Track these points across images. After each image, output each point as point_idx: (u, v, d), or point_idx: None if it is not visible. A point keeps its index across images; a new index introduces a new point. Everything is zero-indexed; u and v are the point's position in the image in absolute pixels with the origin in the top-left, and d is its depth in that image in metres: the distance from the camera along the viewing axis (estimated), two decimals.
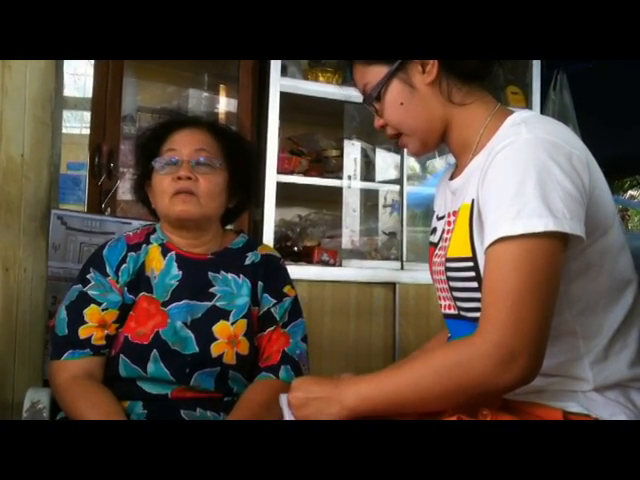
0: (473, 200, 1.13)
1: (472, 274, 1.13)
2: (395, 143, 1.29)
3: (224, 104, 3.28)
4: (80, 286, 1.51)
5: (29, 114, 1.77)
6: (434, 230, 1.33)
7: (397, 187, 3.13)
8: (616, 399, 1.09)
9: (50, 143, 1.83)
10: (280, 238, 2.98)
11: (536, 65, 3.34)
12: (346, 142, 3.14)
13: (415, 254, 3.06)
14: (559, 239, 1.01)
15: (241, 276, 1.56)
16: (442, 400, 1.05)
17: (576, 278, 1.09)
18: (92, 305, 1.48)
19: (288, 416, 1.14)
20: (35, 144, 1.78)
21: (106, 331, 1.47)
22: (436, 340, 1.44)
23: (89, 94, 3.20)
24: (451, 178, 1.27)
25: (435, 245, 1.29)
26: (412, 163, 3.31)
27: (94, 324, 1.47)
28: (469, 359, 1.01)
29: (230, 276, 1.56)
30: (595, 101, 3.44)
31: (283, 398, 1.17)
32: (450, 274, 1.18)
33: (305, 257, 2.93)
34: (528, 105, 3.28)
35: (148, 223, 1.71)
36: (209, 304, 1.52)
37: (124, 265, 1.52)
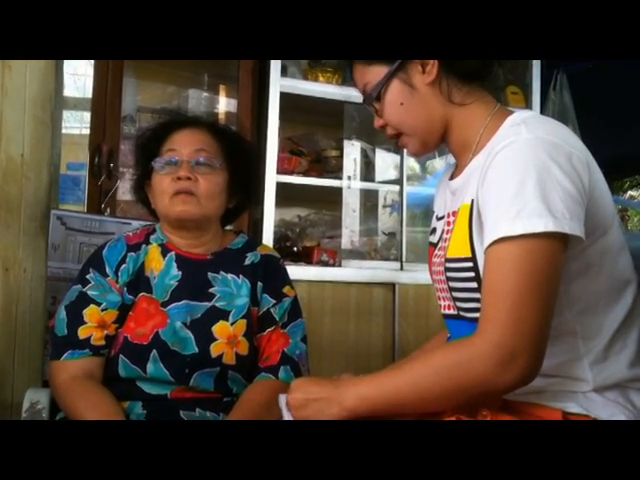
0: (473, 200, 1.13)
1: (472, 274, 1.13)
2: (395, 143, 1.29)
3: (224, 104, 3.28)
4: (80, 286, 1.51)
5: (29, 114, 1.77)
6: (434, 230, 1.33)
7: (397, 187, 3.13)
8: (615, 400, 1.09)
9: (50, 143, 1.83)
10: (280, 238, 2.98)
11: (536, 65, 3.34)
12: (346, 142, 3.14)
13: (415, 254, 3.05)
14: (559, 239, 1.01)
15: (241, 276, 1.56)
16: (442, 400, 1.05)
17: (576, 278, 1.09)
18: (92, 305, 1.48)
19: (287, 417, 1.14)
20: (35, 144, 1.78)
21: (106, 331, 1.47)
22: (436, 340, 1.44)
23: (89, 94, 3.19)
24: (451, 178, 1.27)
25: (435, 245, 1.29)
26: (412, 163, 3.31)
27: (94, 324, 1.47)
28: (469, 359, 1.01)
29: (230, 276, 1.56)
30: (595, 101, 3.44)
31: (282, 399, 1.17)
32: (450, 274, 1.18)
33: (305, 257, 2.92)
34: (528, 105, 3.28)
35: (148, 223, 1.71)
36: (209, 304, 1.52)
37: (124, 265, 1.52)
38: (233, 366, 1.49)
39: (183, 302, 1.50)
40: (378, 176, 3.22)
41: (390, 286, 2.95)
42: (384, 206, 3.30)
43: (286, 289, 1.61)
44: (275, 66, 2.84)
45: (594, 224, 1.08)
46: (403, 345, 2.89)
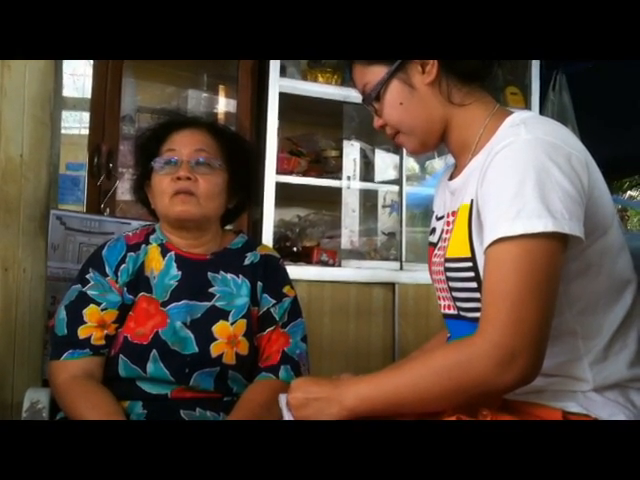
0: (472, 200, 1.13)
1: (471, 274, 1.13)
2: (394, 144, 1.29)
3: (223, 104, 3.28)
4: (79, 286, 1.51)
5: (28, 114, 1.77)
6: (433, 230, 1.33)
7: (396, 187, 3.13)
8: (615, 399, 1.09)
9: (49, 143, 1.83)
10: (279, 238, 2.98)
11: (535, 66, 3.34)
12: (345, 142, 3.14)
13: (414, 254, 3.06)
14: (558, 239, 1.01)
15: (240, 276, 1.56)
16: (442, 400, 1.05)
17: (576, 278, 1.09)
18: (91, 305, 1.48)
19: (287, 417, 1.14)
20: (34, 144, 1.78)
21: (105, 331, 1.47)
22: (436, 340, 1.44)
23: (88, 94, 3.19)
24: (450, 178, 1.27)
25: (434, 245, 1.29)
26: (411, 163, 3.31)
27: (93, 324, 1.47)
28: (469, 359, 1.01)
29: (229, 276, 1.56)
30: (594, 101, 3.44)
31: (282, 399, 1.17)
32: (449, 274, 1.18)
33: (304, 257, 2.92)
34: (527, 106, 3.28)
35: (147, 223, 1.71)
36: (208, 304, 1.52)
37: (123, 265, 1.52)
38: (233, 366, 1.49)
39: (183, 302, 1.50)
40: (377, 176, 3.22)
41: (390, 286, 2.95)
42: (384, 206, 3.30)
43: (286, 289, 1.61)
44: (274, 66, 2.84)
45: (594, 224, 1.08)
46: (403, 345, 2.89)
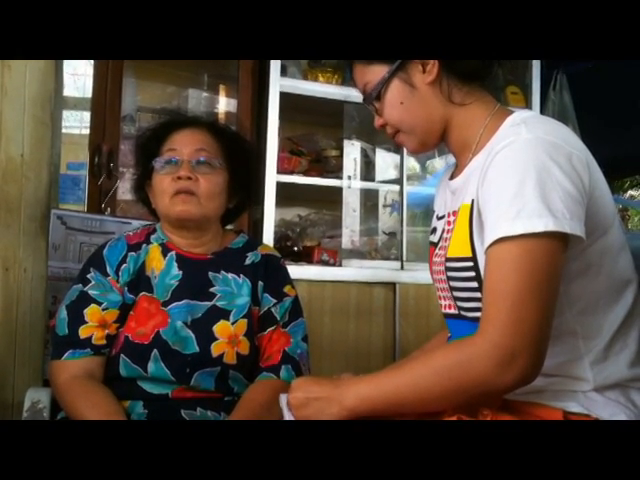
0: (473, 200, 1.13)
1: (472, 274, 1.13)
2: (395, 143, 1.29)
3: (224, 104, 3.28)
4: (80, 286, 1.51)
5: (29, 114, 1.77)
6: (434, 230, 1.33)
7: (397, 187, 3.13)
8: (616, 399, 1.09)
9: (50, 143, 1.83)
10: (280, 238, 2.98)
11: (536, 65, 3.34)
12: (346, 142, 3.14)
13: (415, 254, 3.05)
14: (559, 239, 1.01)
15: (241, 276, 1.56)
16: (442, 400, 1.05)
17: (576, 278, 1.09)
18: (92, 305, 1.48)
19: (288, 416, 1.14)
20: (35, 144, 1.78)
21: (106, 331, 1.47)
22: (436, 340, 1.44)
23: (89, 94, 3.20)
24: (451, 178, 1.27)
25: (435, 245, 1.29)
26: (412, 163, 3.31)
27: (94, 324, 1.47)
28: (469, 359, 1.01)
29: (230, 276, 1.56)
30: (595, 101, 3.44)
31: (283, 398, 1.17)
32: (450, 274, 1.18)
33: (305, 257, 2.92)
34: (528, 105, 3.28)
35: (148, 223, 1.71)
36: (209, 304, 1.52)
37: (124, 265, 1.53)
38: (234, 365, 1.49)
39: (184, 302, 1.50)
40: (378, 176, 3.22)
41: (390, 286, 2.95)
42: (384, 206, 3.30)
43: (287, 289, 1.61)
44: (275, 66, 2.84)
45: (594, 224, 1.08)
46: (403, 345, 2.89)
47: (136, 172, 1.64)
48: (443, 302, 1.25)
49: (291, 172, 2.95)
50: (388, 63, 1.19)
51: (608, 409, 1.07)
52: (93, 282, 1.51)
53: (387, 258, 3.10)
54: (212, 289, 1.53)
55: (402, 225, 3.07)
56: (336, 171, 3.09)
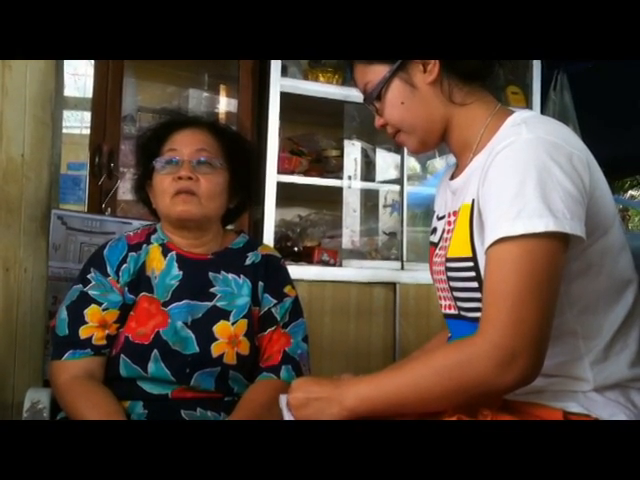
0: (473, 200, 1.13)
1: (472, 274, 1.13)
2: (395, 143, 1.29)
3: (224, 104, 3.28)
4: (81, 286, 1.51)
5: (29, 114, 1.77)
6: (434, 230, 1.33)
7: (397, 187, 3.13)
8: (616, 399, 1.09)
9: (50, 143, 1.83)
10: (280, 238, 2.98)
11: (536, 65, 3.34)
12: (346, 142, 3.14)
13: (415, 254, 3.05)
14: (559, 239, 1.01)
15: (241, 276, 1.56)
16: (442, 400, 1.05)
17: (576, 278, 1.09)
18: (93, 305, 1.48)
19: (288, 417, 1.14)
20: (35, 144, 1.78)
21: (107, 331, 1.47)
22: (436, 340, 1.44)
23: (89, 94, 3.20)
24: (451, 178, 1.27)
25: (435, 245, 1.29)
26: (412, 163, 3.31)
27: (95, 324, 1.47)
28: (469, 359, 1.00)
29: (230, 276, 1.56)
30: (595, 101, 3.44)
31: (283, 399, 1.17)
32: (450, 274, 1.18)
33: (305, 257, 2.92)
34: (528, 105, 3.28)
35: (148, 223, 1.71)
36: (209, 304, 1.52)
37: (125, 265, 1.52)
38: (234, 366, 1.49)
39: (184, 302, 1.50)
40: (378, 176, 3.22)
41: (391, 286, 2.95)
42: (385, 206, 3.30)
43: (287, 289, 1.61)
44: (275, 66, 2.84)
45: (595, 224, 1.08)
46: (404, 345, 2.89)
47: (137, 172, 1.64)
48: (443, 302, 1.25)
49: (291, 172, 2.95)
50: (389, 63, 1.19)
51: (608, 409, 1.07)
52: (93, 282, 1.51)
53: (387, 258, 3.10)
54: (212, 289, 1.53)
55: (402, 225, 3.07)
56: (336, 171, 3.09)
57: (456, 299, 1.19)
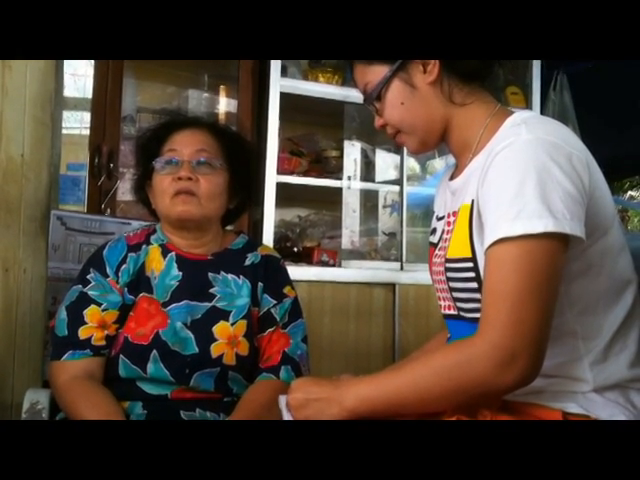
0: (473, 200, 1.13)
1: (472, 274, 1.13)
2: (395, 143, 1.29)
3: (224, 104, 3.28)
4: (80, 286, 1.51)
5: (29, 114, 1.77)
6: (434, 230, 1.33)
7: (397, 188, 3.13)
8: (616, 400, 1.09)
9: (50, 143, 1.83)
10: (280, 239, 2.98)
11: (536, 65, 3.34)
12: (346, 143, 3.14)
13: (415, 255, 3.05)
14: (559, 240, 1.00)
15: (241, 277, 1.56)
16: (442, 401, 1.05)
17: (576, 279, 1.09)
18: (92, 306, 1.48)
19: (287, 417, 1.14)
20: (35, 144, 1.78)
21: (106, 331, 1.47)
22: (436, 341, 1.43)
23: (89, 95, 3.19)
24: (451, 178, 1.27)
25: (435, 245, 1.29)
26: (412, 164, 3.31)
27: (94, 325, 1.47)
28: (469, 360, 1.00)
29: (230, 277, 1.56)
30: (595, 101, 3.44)
31: (282, 400, 1.17)
32: (450, 274, 1.18)
33: (305, 258, 2.92)
34: (528, 105, 3.28)
35: (148, 224, 1.71)
36: (209, 305, 1.52)
37: (124, 265, 1.52)
38: (233, 366, 1.49)
39: (183, 302, 1.50)
40: (378, 176, 3.22)
41: (390, 286, 2.95)
42: (384, 206, 3.30)
43: (287, 289, 1.61)
44: (275, 66, 2.84)
45: (594, 224, 1.08)
46: (403, 345, 2.89)
47: (136, 172, 1.64)
48: (443, 303, 1.25)
49: (291, 172, 2.95)
50: (389, 63, 1.19)
51: (607, 410, 1.07)
52: (93, 283, 1.51)
53: (387, 259, 3.10)
54: (212, 290, 1.53)
55: (402, 226, 3.07)
56: (336, 172, 3.09)
57: (455, 299, 1.19)
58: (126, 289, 1.51)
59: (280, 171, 2.86)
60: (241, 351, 1.50)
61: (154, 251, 1.56)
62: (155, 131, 1.61)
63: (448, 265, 1.18)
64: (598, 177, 1.11)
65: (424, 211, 3.18)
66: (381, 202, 3.31)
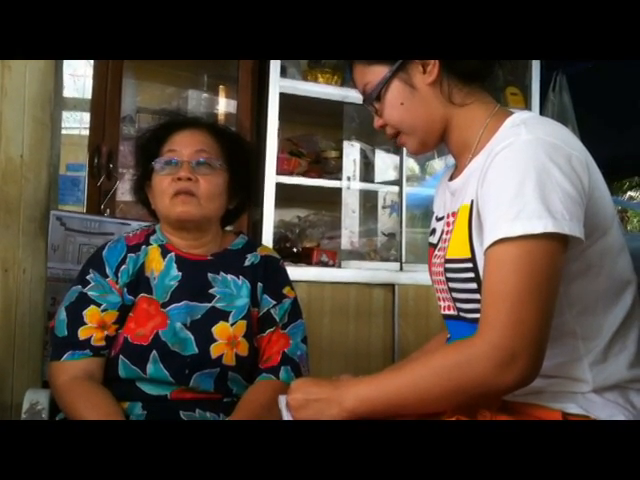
0: (472, 201, 1.13)
1: (471, 275, 1.13)
2: (394, 144, 1.29)
3: (223, 105, 3.28)
4: (80, 287, 1.51)
5: (28, 115, 1.77)
6: (433, 231, 1.33)
7: (396, 188, 3.13)
8: (615, 400, 1.09)
9: (49, 144, 1.83)
10: (279, 239, 2.98)
11: (535, 66, 3.34)
12: (345, 143, 3.14)
13: (414, 255, 3.05)
14: (558, 240, 1.00)
15: (240, 277, 1.56)
16: (442, 401, 1.05)
17: (576, 279, 1.09)
18: (92, 306, 1.48)
19: (287, 417, 1.14)
20: (34, 145, 1.78)
21: (106, 332, 1.47)
22: (435, 341, 1.44)
23: (88, 95, 3.19)
24: (450, 179, 1.27)
25: (434, 246, 1.29)
26: (411, 164, 3.31)
27: (94, 325, 1.47)
28: (468, 360, 1.00)
29: (230, 277, 1.56)
30: (594, 102, 3.44)
31: (282, 400, 1.17)
32: (449, 275, 1.18)
33: (304, 258, 2.92)
34: (527, 106, 3.28)
35: (147, 224, 1.70)
36: (208, 305, 1.51)
37: (123, 266, 1.52)
38: (233, 367, 1.49)
39: (183, 303, 1.50)
40: (377, 177, 3.22)
41: (390, 287, 2.95)
42: (384, 207, 3.30)
43: (286, 290, 1.61)
44: (274, 67, 2.84)
45: (594, 225, 1.08)
46: (403, 346, 2.89)
47: (136, 173, 1.64)
48: (442, 303, 1.25)
49: (290, 173, 2.95)
50: (388, 63, 1.19)
51: (607, 410, 1.07)
52: (92, 283, 1.51)
53: (386, 259, 3.10)
54: (211, 290, 1.53)
55: (401, 226, 3.07)
56: (335, 172, 3.09)
57: (455, 300, 1.19)
58: (125, 289, 1.51)
59: (279, 171, 2.86)
60: (241, 352, 1.50)
61: (154, 251, 1.56)
62: (155, 131, 1.61)
63: (447, 265, 1.18)
64: (597, 178, 1.11)
65: (423, 212, 3.18)
66: (380, 203, 3.31)
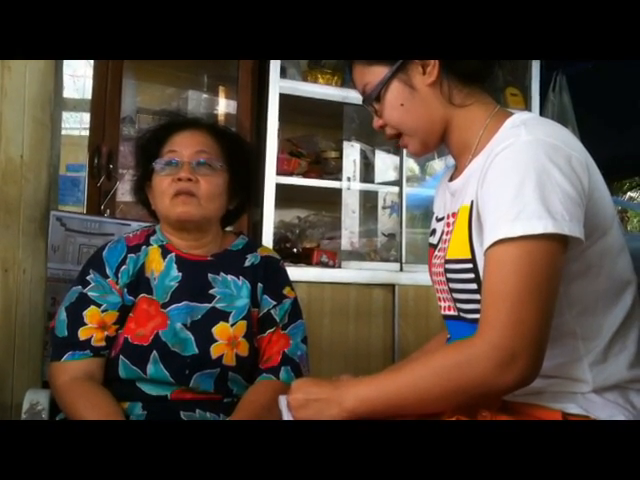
0: (472, 202, 1.13)
1: (471, 275, 1.13)
2: (394, 144, 1.30)
3: (223, 105, 3.28)
4: (80, 287, 1.51)
5: (28, 115, 1.77)
6: (433, 231, 1.33)
7: (396, 188, 3.13)
8: (615, 400, 1.09)
9: (49, 144, 1.83)
10: (279, 240, 2.98)
11: (535, 66, 3.34)
12: (345, 143, 3.14)
13: (414, 255, 3.05)
14: (558, 241, 1.01)
15: (241, 278, 1.56)
16: (442, 401, 1.05)
17: (576, 279, 1.09)
18: (92, 306, 1.48)
19: (287, 418, 1.14)
20: (34, 145, 1.78)
21: (106, 332, 1.47)
22: (435, 341, 1.44)
23: (88, 95, 3.20)
24: (450, 180, 1.27)
25: (434, 246, 1.29)
26: (411, 165, 3.31)
27: (94, 325, 1.47)
28: (468, 360, 1.00)
29: (230, 278, 1.56)
30: (594, 102, 3.44)
31: (282, 400, 1.17)
32: (449, 275, 1.18)
33: (304, 258, 2.92)
34: (527, 107, 3.28)
35: (148, 224, 1.70)
36: (209, 306, 1.51)
37: (124, 266, 1.52)
38: (233, 367, 1.49)
39: (183, 303, 1.50)
40: (378, 177, 3.22)
41: (390, 287, 2.95)
42: (384, 207, 3.30)
43: (286, 290, 1.61)
44: (274, 67, 2.84)
45: (594, 225, 1.08)
46: (403, 346, 2.89)
47: (136, 173, 1.64)
48: (442, 304, 1.25)
49: (290, 174, 2.95)
50: (388, 64, 1.19)
51: (607, 410, 1.07)
52: (92, 284, 1.51)
53: (386, 260, 3.10)
54: (211, 291, 1.53)
55: (401, 227, 3.07)
56: (335, 172, 3.09)
57: (455, 300, 1.19)
58: (126, 290, 1.51)
59: (279, 172, 2.86)
60: (241, 352, 1.50)
61: (154, 252, 1.56)
62: (155, 132, 1.61)
63: (448, 266, 1.18)
64: (597, 178, 1.11)
65: (423, 212, 3.18)
66: (380, 203, 3.31)
